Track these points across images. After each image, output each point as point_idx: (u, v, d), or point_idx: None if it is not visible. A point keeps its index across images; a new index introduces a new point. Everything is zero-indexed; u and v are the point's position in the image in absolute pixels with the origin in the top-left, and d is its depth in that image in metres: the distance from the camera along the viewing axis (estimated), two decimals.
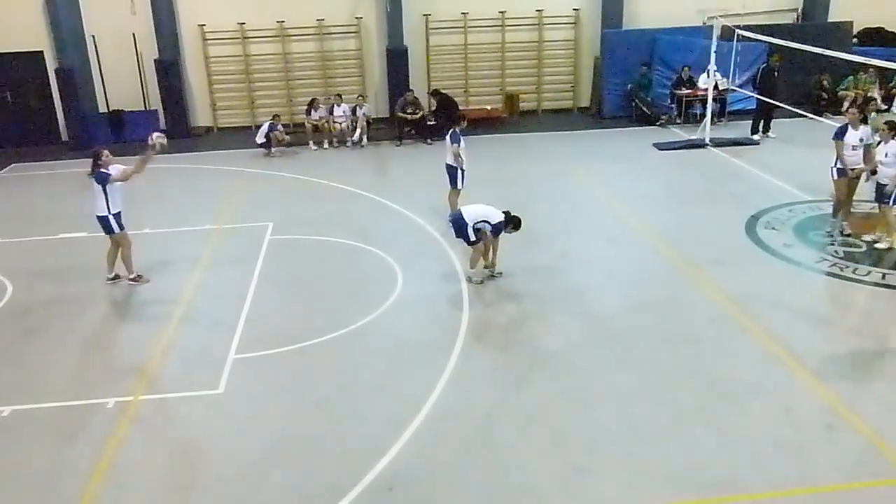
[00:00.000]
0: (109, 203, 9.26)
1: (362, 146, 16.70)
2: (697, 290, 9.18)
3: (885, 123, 10.19)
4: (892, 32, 19.48)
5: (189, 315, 8.87)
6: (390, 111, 17.99)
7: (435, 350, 7.76)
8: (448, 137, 11.26)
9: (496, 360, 7.66)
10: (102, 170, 9.22)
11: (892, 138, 9.80)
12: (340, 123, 16.91)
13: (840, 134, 10.50)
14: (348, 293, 9.26)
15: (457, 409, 6.79)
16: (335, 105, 17.06)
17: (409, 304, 8.88)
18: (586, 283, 9.42)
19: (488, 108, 18.66)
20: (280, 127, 16.51)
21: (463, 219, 9.19)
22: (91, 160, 9.34)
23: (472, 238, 9.20)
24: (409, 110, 16.90)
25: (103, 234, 9.52)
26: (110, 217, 9.30)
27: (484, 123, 17.47)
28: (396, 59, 18.14)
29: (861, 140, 10.37)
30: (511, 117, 18.64)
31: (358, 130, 16.78)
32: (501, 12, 18.54)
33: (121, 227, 9.44)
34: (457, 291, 9.20)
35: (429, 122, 16.96)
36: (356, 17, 18.27)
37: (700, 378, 7.22)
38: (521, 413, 6.74)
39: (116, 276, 9.69)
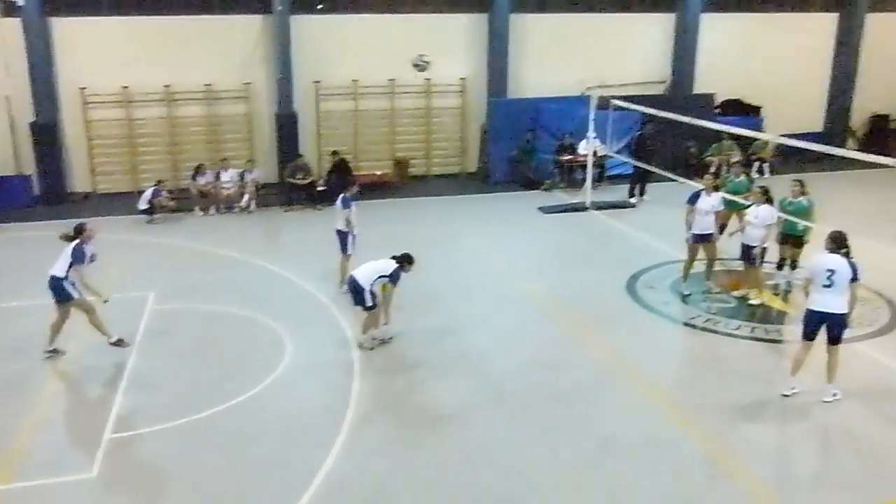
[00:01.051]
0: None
1: (250, 212, 16.45)
2: (586, 348, 9.45)
3: (759, 188, 10.90)
4: (749, 104, 21.14)
5: (61, 391, 8.36)
6: (280, 176, 17.87)
7: (326, 421, 7.61)
8: (339, 202, 11.30)
9: (390, 428, 7.59)
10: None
11: (763, 203, 10.48)
12: (228, 189, 16.63)
13: (693, 199, 11.05)
14: (234, 364, 8.98)
15: (349, 481, 6.65)
16: (222, 170, 16.78)
17: (298, 374, 8.71)
18: (479, 345, 9.53)
19: (378, 173, 18.86)
20: (165, 192, 16.06)
21: (359, 283, 9.14)
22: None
23: (370, 303, 9.16)
24: (299, 175, 16.85)
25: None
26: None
27: (374, 188, 17.61)
28: (286, 124, 18.13)
29: (712, 206, 10.86)
30: (401, 182, 18.89)
31: (246, 196, 16.54)
32: (391, 80, 18.93)
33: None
34: (348, 359, 9.09)
35: (319, 188, 16.92)
36: (245, 83, 18.21)
37: (592, 434, 7.40)
38: (417, 480, 6.68)
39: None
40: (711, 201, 10.91)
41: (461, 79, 19.55)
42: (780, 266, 11.24)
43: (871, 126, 23.10)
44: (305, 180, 16.87)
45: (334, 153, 17.46)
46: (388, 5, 18.94)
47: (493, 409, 7.92)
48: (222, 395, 8.09)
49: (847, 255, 7.71)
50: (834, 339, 7.83)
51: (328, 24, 18.38)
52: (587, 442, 7.29)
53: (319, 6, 17.77)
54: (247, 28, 18.03)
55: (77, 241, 8.92)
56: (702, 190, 11.08)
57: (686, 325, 10.23)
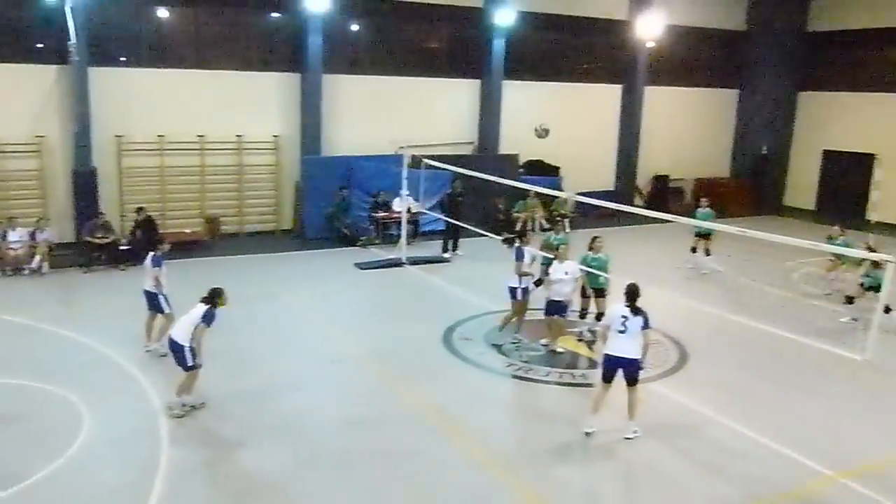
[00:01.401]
0: None
1: (42, 274, 15.11)
2: (406, 404, 9.53)
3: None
4: (549, 164, 22.71)
5: None
6: (77, 235, 16.65)
7: (128, 498, 7.05)
8: (149, 261, 10.73)
9: (202, 501, 7.17)
10: None
11: (568, 259, 11.13)
12: (16, 249, 15.22)
13: (520, 255, 11.59)
14: (22, 442, 8.11)
15: None
16: (9, 229, 15.35)
17: (97, 449, 8.02)
18: (297, 407, 9.31)
19: (188, 231, 18.11)
20: None
21: (177, 343, 8.72)
22: None
23: (190, 363, 8.72)
24: (98, 234, 15.78)
25: None
26: None
27: (184, 247, 16.85)
28: (84, 180, 17.00)
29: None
30: (212, 240, 18.25)
31: (37, 257, 15.21)
32: (200, 136, 18.41)
33: None
34: (155, 429, 8.53)
35: (121, 248, 15.93)
36: (37, 136, 16.92)
37: (412, 494, 7.41)
38: None
39: None
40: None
41: (274, 136, 19.41)
42: (582, 315, 12.01)
43: (654, 185, 25.59)
44: (106, 239, 15.82)
45: (139, 210, 16.57)
46: (197, 61, 18.53)
47: (314, 473, 7.74)
48: (8, 479, 7.26)
49: (636, 305, 8.38)
50: (630, 381, 8.47)
51: (131, 77, 17.65)
52: (411, 500, 7.30)
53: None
54: (39, 79, 16.87)
55: None
56: (524, 249, 11.67)
57: (501, 374, 10.62)
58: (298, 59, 19.35)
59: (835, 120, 25.12)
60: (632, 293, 8.43)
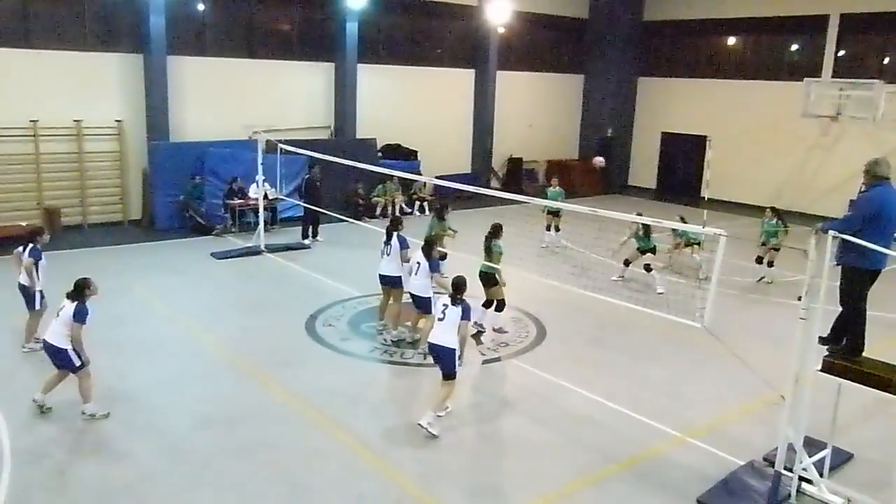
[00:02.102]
0: None
1: None
2: (267, 395, 9.35)
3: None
4: (407, 148, 22.86)
5: None
6: None
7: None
8: (26, 253, 10.03)
9: None
10: None
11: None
12: None
13: (405, 243, 11.07)
14: None
15: None
16: None
17: None
18: (153, 405, 8.93)
19: (24, 224, 16.75)
20: None
21: (55, 346, 8.20)
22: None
23: (77, 363, 8.24)
24: None
25: None
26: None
27: (20, 241, 15.54)
28: None
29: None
30: (52, 234, 16.98)
31: None
32: (33, 121, 17.07)
33: None
34: None
35: None
36: None
37: (280, 484, 7.31)
38: None
39: None
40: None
41: (117, 121, 18.32)
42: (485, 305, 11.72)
43: (509, 167, 26.37)
44: None
45: None
46: (25, 40, 17.12)
47: (173, 471, 7.46)
48: None
49: (458, 297, 8.35)
50: (445, 375, 8.44)
51: None
52: (277, 492, 7.20)
53: None
54: None
55: None
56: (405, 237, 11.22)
57: (366, 359, 10.64)
58: (140, 39, 18.32)
59: (671, 104, 26.89)
60: (456, 286, 8.41)
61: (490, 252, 11.29)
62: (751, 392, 9.42)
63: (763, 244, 14.97)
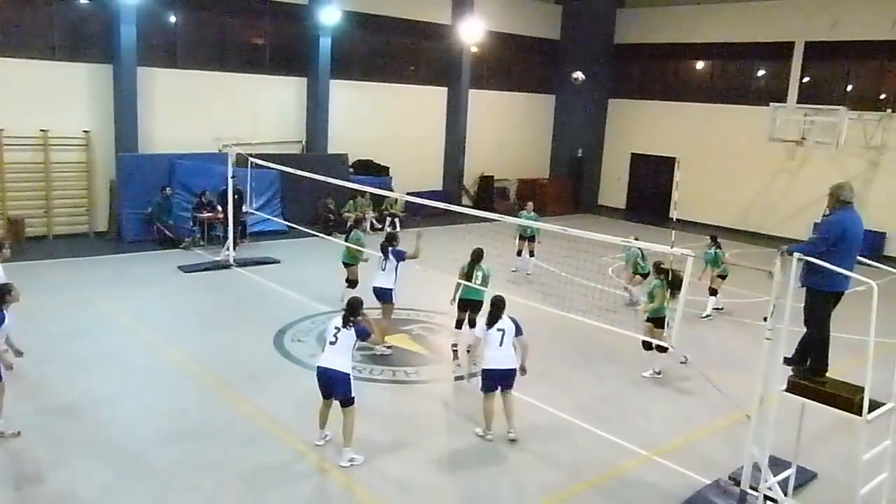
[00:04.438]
0: None
1: None
2: (234, 411, 9.22)
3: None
4: (379, 164, 22.85)
5: None
6: None
7: None
8: None
9: None
10: None
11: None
12: None
13: (401, 256, 11.36)
14: None
15: None
16: None
17: None
18: (115, 420, 8.74)
19: None
20: None
21: None
22: None
23: None
24: None
25: None
26: None
27: None
28: None
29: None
30: (15, 244, 16.66)
31: None
32: None
33: None
34: None
35: None
36: None
37: (246, 501, 7.19)
38: None
39: None
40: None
41: (85, 131, 18.09)
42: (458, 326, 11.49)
43: (481, 185, 26.49)
44: None
45: None
46: None
47: (136, 488, 7.30)
48: None
49: (352, 318, 8.04)
50: (342, 402, 8.00)
51: None
52: None
53: None
54: None
55: None
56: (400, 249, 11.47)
57: None
58: (109, 49, 18.15)
59: (641, 125, 27.27)
60: (351, 307, 8.06)
61: (473, 277, 11.05)
62: (717, 411, 9.51)
63: (711, 272, 14.34)
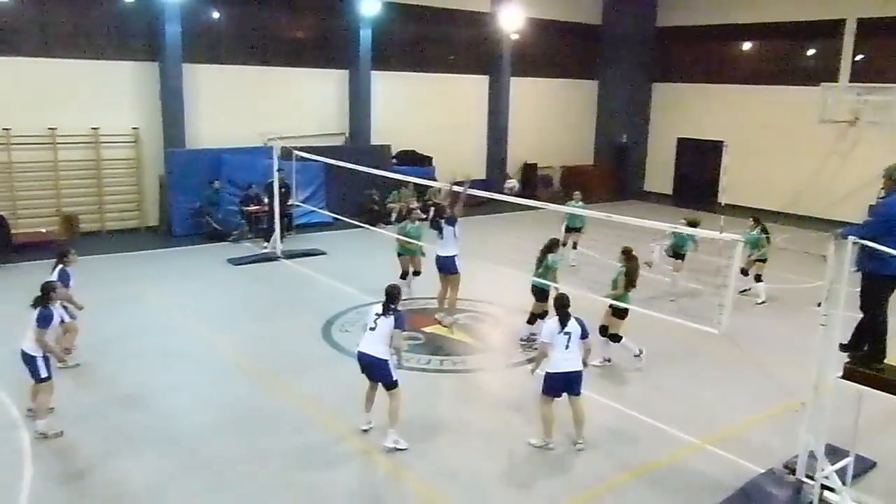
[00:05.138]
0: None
1: None
2: (283, 401, 9.36)
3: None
4: (422, 154, 22.88)
5: None
6: None
7: None
8: (55, 275, 9.69)
9: None
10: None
11: None
12: None
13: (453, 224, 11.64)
14: None
15: None
16: None
17: None
18: (170, 411, 8.96)
19: (43, 230, 16.95)
20: None
21: (27, 353, 8.05)
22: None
23: (44, 374, 8.07)
24: None
25: None
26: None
27: (39, 248, 15.72)
28: None
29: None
30: (70, 240, 17.13)
31: None
32: (51, 129, 17.25)
33: None
34: (13, 441, 7.98)
35: None
36: None
37: (297, 490, 7.31)
38: None
39: None
40: None
41: (133, 128, 18.48)
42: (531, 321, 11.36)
43: (524, 173, 26.33)
44: None
45: None
46: (43, 49, 17.32)
47: (190, 479, 7.48)
48: None
49: (391, 305, 8.14)
50: (385, 386, 8.19)
51: None
52: (292, 497, 7.20)
53: None
54: None
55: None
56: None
57: None
58: (156, 47, 18.49)
59: (686, 109, 26.76)
60: (389, 295, 8.17)
61: (543, 265, 11.07)
62: (770, 399, 9.35)
63: (748, 255, 14.01)
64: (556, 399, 8.22)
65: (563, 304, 8.21)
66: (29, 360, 8.07)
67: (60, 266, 9.78)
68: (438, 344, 11.39)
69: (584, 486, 7.55)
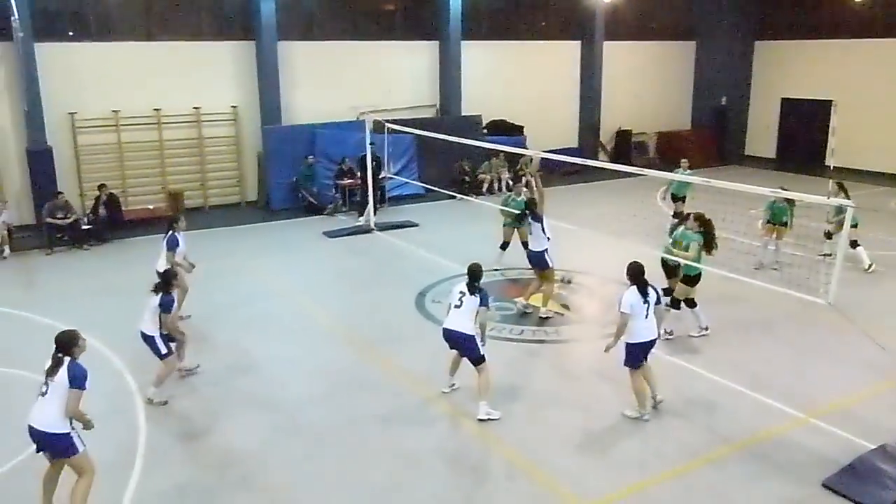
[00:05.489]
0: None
1: (4, 257, 14.81)
2: (378, 370, 9.58)
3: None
4: (512, 124, 22.67)
5: None
6: (37, 217, 16.29)
7: (109, 478, 7.00)
8: (165, 242, 10.61)
9: (184, 475, 7.18)
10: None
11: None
12: None
13: (538, 219, 10.96)
14: None
15: None
16: None
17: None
18: (271, 378, 9.32)
19: (151, 207, 17.83)
20: None
21: (146, 333, 8.54)
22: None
23: (164, 350, 8.56)
24: (59, 215, 15.42)
25: None
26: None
27: (147, 224, 16.57)
28: (39, 160, 16.58)
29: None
30: (176, 216, 17.92)
31: None
32: (156, 110, 18.03)
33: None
34: (130, 408, 8.49)
35: (84, 227, 15.64)
36: None
37: (389, 455, 7.49)
38: None
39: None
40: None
41: (232, 106, 19.08)
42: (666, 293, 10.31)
43: (618, 140, 25.73)
44: (67, 219, 15.48)
45: (101, 187, 16.28)
46: (147, 33, 18.06)
47: (291, 442, 7.78)
48: None
49: (475, 285, 8.22)
50: (472, 361, 8.24)
51: (79, 51, 17.16)
52: (386, 462, 7.38)
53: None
54: None
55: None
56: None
57: None
58: (252, 26, 18.96)
59: (792, 68, 25.42)
60: (472, 274, 8.24)
61: (672, 239, 10.37)
62: (880, 372, 8.89)
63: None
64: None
65: (640, 272, 8.02)
66: (149, 339, 8.57)
67: (171, 232, 10.71)
68: (531, 314, 11.33)
69: (681, 459, 7.40)
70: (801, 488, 6.85)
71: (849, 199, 13.05)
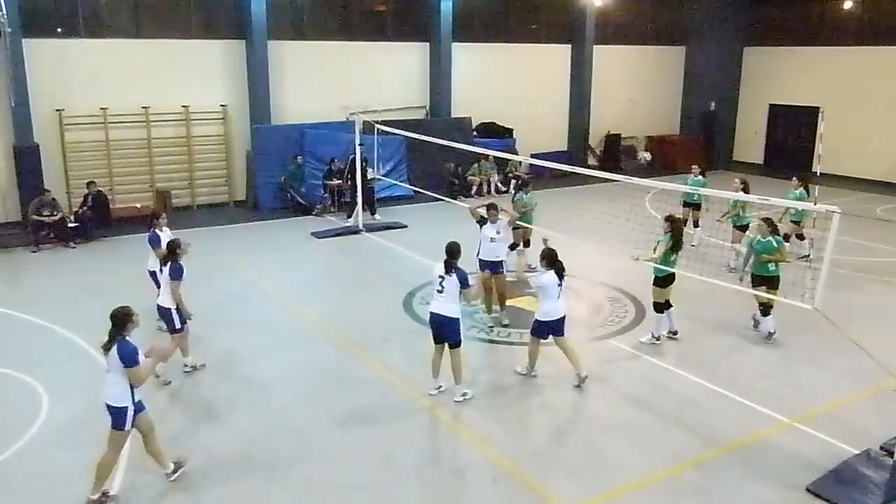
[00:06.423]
0: None
1: None
2: (366, 370, 9.55)
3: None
4: (502, 126, 22.70)
5: None
6: (23, 214, 16.16)
7: (91, 479, 6.93)
8: (148, 241, 10.68)
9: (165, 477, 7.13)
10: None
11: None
12: None
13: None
14: None
15: None
16: None
17: (58, 431, 7.89)
18: (258, 377, 9.28)
19: (138, 205, 17.71)
20: None
21: (164, 307, 8.95)
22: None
23: (178, 325, 8.94)
24: (45, 212, 15.30)
25: None
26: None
27: (134, 222, 16.45)
28: (26, 157, 16.43)
29: (498, 233, 10.88)
30: (157, 212, 17.82)
31: None
32: (145, 108, 17.93)
33: None
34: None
35: (70, 225, 15.53)
36: None
37: (376, 456, 7.48)
38: None
39: None
40: (496, 227, 10.86)
41: (221, 105, 19.01)
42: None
43: (607, 143, 25.79)
44: (54, 217, 15.36)
45: (90, 184, 16.19)
46: (136, 30, 17.97)
47: (277, 443, 7.74)
48: None
49: (453, 263, 8.57)
50: (450, 344, 8.53)
51: (69, 48, 17.04)
52: (373, 463, 7.36)
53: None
54: None
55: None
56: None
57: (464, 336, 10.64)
58: (242, 25, 18.91)
59: (779, 74, 25.59)
60: (450, 251, 8.52)
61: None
62: (865, 378, 8.94)
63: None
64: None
65: (555, 258, 8.81)
66: (165, 312, 8.89)
67: (153, 229, 10.75)
68: (516, 317, 11.32)
69: (666, 462, 7.42)
70: (785, 492, 6.89)
71: (809, 196, 13.35)
